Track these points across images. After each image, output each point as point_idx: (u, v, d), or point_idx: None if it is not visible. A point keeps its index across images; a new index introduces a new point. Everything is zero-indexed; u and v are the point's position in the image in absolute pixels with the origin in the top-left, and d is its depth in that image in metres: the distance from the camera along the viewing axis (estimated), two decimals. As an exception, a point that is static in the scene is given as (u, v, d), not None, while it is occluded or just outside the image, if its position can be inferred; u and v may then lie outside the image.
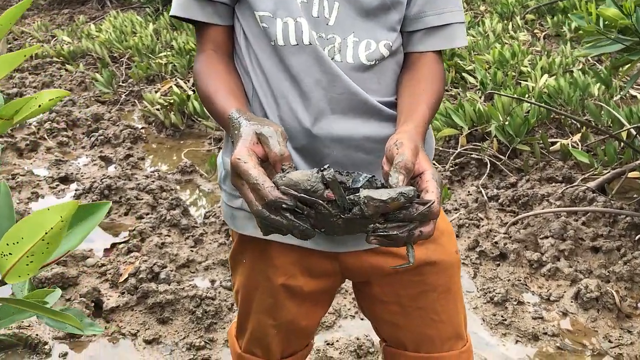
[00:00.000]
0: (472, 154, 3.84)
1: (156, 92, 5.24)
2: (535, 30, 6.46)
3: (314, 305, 1.40)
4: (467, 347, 1.44)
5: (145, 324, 2.56)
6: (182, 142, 4.63)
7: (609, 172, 3.45)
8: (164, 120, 4.73)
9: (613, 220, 3.07)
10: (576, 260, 2.89)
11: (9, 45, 7.22)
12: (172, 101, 4.83)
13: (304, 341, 1.50)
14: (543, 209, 3.24)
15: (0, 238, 0.66)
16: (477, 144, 3.92)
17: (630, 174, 3.37)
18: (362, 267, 1.33)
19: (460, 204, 3.41)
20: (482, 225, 3.19)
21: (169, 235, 3.16)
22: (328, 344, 2.44)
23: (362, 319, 2.57)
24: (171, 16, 1.28)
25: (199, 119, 4.69)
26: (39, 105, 0.98)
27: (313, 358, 2.38)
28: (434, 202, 0.97)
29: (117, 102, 5.41)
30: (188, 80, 5.39)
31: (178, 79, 5.42)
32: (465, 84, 4.91)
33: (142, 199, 3.52)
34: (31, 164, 4.23)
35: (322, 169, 0.97)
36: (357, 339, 2.42)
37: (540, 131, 4.08)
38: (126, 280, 2.75)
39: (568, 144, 3.80)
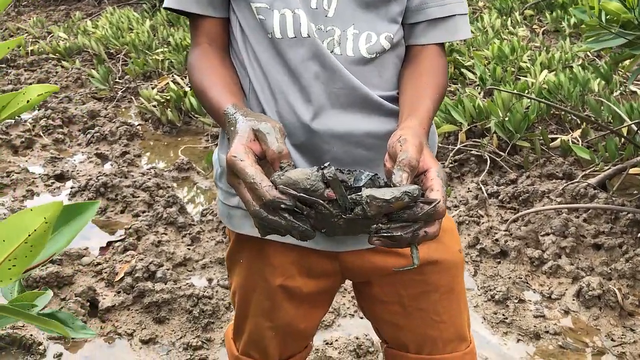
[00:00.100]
0: (471, 150, 3.81)
1: (153, 88, 5.21)
2: (534, 26, 6.44)
3: (312, 307, 1.37)
4: (470, 348, 1.40)
5: (141, 324, 2.52)
6: (179, 139, 4.60)
7: (610, 168, 3.42)
8: (161, 117, 4.69)
9: (615, 217, 3.04)
10: (578, 258, 2.86)
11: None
12: (168, 98, 4.79)
13: (302, 343, 1.46)
14: (544, 205, 3.21)
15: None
16: (477, 140, 3.89)
17: (632, 170, 3.35)
18: (364, 266, 1.29)
19: (460, 201, 3.38)
20: (483, 223, 3.16)
21: (166, 234, 3.13)
22: (327, 344, 2.41)
23: (361, 318, 2.54)
24: (164, 8, 1.24)
25: (196, 115, 4.66)
26: (28, 101, 0.94)
27: (312, 358, 2.35)
28: (439, 201, 0.93)
29: (113, 98, 5.37)
30: (185, 77, 5.36)
31: (175, 76, 5.38)
32: (464, 80, 4.89)
33: (139, 196, 3.49)
34: (26, 161, 4.19)
35: (322, 167, 0.93)
36: (357, 338, 2.39)
37: (540, 127, 4.05)
38: (122, 279, 2.72)
39: (568, 140, 3.77)
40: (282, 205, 0.92)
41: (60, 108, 4.91)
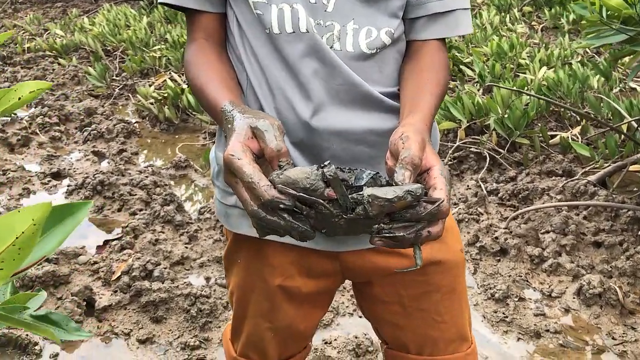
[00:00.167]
0: (471, 147, 3.79)
1: (150, 85, 5.18)
2: (533, 23, 6.43)
3: (312, 307, 1.34)
4: (472, 349, 1.38)
5: (138, 323, 2.50)
6: (176, 136, 4.57)
7: (610, 165, 3.41)
8: (158, 115, 4.67)
9: (615, 214, 3.03)
10: (578, 256, 2.84)
11: (0, 39, 7.12)
12: (166, 95, 4.77)
13: (302, 344, 1.44)
14: (543, 203, 3.19)
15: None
16: (476, 137, 3.87)
17: (632, 167, 3.33)
18: (365, 266, 1.27)
19: (460, 199, 3.37)
20: (482, 220, 3.14)
21: (163, 232, 3.10)
22: (326, 343, 2.39)
23: (360, 317, 2.52)
24: (161, 4, 1.21)
25: (194, 112, 4.63)
26: (19, 98, 0.92)
27: (311, 357, 2.32)
28: (443, 201, 0.90)
29: (110, 96, 5.34)
30: (182, 74, 5.32)
31: (172, 73, 5.36)
32: (463, 77, 4.87)
33: (136, 194, 3.46)
34: (22, 159, 4.16)
35: (322, 165, 0.90)
36: (356, 337, 2.37)
37: (539, 124, 4.03)
38: (119, 278, 2.69)
39: (568, 137, 3.76)
40: (281, 205, 0.89)
41: (57, 105, 4.89)
